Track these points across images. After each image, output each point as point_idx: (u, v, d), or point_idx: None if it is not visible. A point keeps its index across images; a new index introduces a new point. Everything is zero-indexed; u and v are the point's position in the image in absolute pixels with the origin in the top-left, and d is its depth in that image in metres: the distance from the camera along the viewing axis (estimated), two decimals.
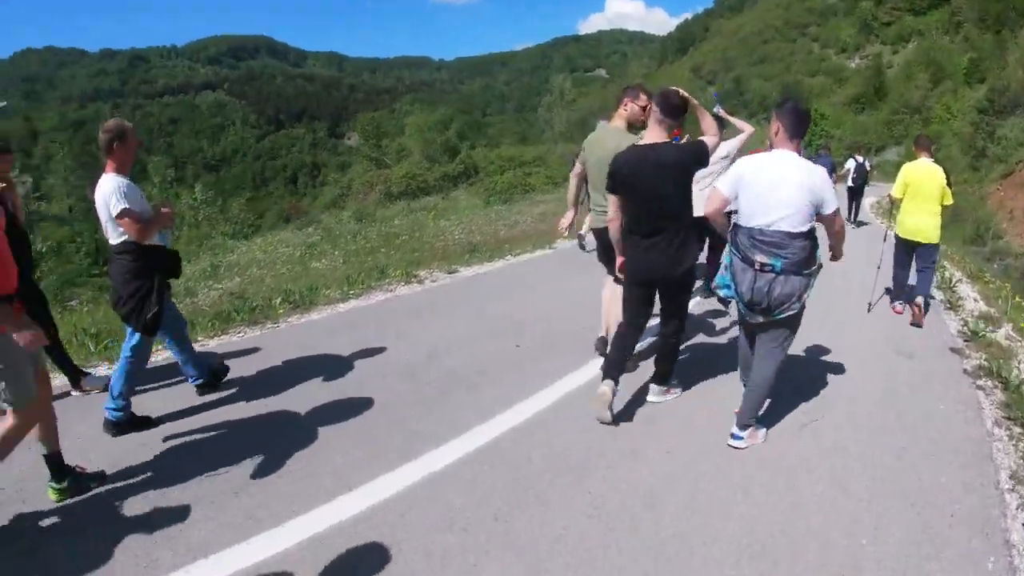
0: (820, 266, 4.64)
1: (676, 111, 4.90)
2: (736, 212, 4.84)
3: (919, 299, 8.64)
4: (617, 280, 5.69)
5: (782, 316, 4.61)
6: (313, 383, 6.18)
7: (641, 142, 5.04)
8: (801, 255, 4.47)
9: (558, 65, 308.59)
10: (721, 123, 7.56)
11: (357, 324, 8.30)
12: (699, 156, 4.93)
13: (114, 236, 5.10)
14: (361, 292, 9.87)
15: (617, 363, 5.34)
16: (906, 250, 8.98)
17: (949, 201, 8.62)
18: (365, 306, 9.30)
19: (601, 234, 6.05)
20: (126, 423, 5.23)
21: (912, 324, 8.51)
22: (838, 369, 6.76)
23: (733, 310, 6.88)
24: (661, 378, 5.65)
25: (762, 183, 4.53)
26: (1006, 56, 55.23)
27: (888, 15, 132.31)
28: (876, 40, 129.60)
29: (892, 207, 9.66)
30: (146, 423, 5.34)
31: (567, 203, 7.01)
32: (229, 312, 8.38)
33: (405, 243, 15.11)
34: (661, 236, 4.95)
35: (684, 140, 6.23)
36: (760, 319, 4.74)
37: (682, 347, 6.24)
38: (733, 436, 4.94)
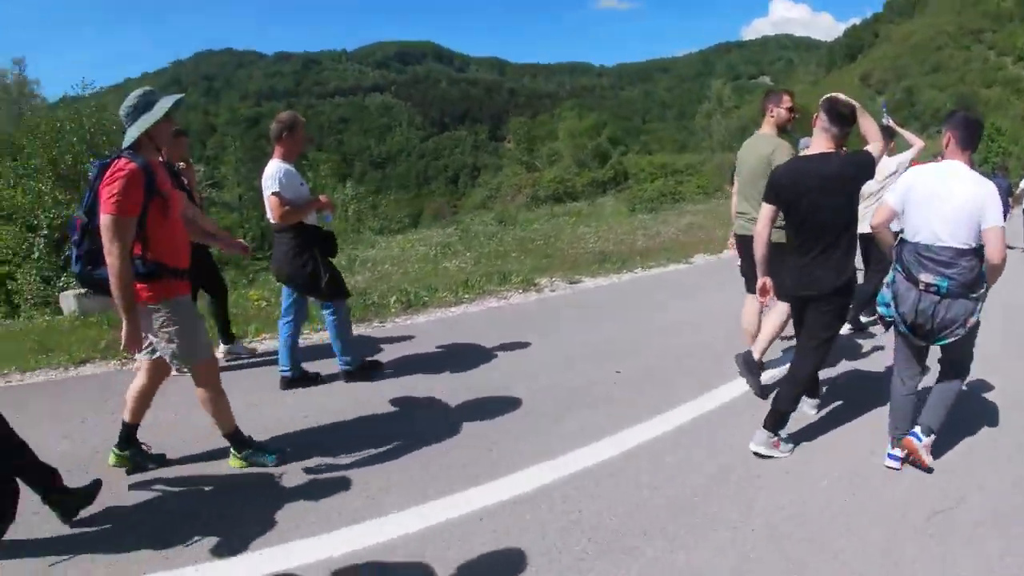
0: (988, 288, 4.30)
1: (844, 120, 4.57)
2: (903, 230, 4.53)
3: None
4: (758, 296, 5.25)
5: (945, 343, 4.32)
6: (375, 387, 6.20)
7: (805, 152, 4.93)
8: (969, 275, 4.15)
9: (720, 72, 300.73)
10: (889, 133, 7.35)
11: (456, 330, 8.16)
12: (865, 166, 4.62)
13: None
14: (475, 297, 9.82)
15: (774, 411, 4.84)
16: None
17: None
18: (475, 312, 9.25)
19: (743, 242, 5.92)
20: (355, 371, 6.16)
21: None
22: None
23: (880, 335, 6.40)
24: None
25: (930, 195, 4.26)
26: None
27: None
28: None
29: None
30: (314, 379, 6.18)
31: (732, 220, 6.55)
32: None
33: (538, 248, 15.03)
34: (821, 251, 4.61)
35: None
36: (922, 343, 4.50)
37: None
38: (912, 433, 4.52)
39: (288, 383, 6.06)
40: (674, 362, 6.79)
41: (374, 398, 5.84)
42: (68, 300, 10.01)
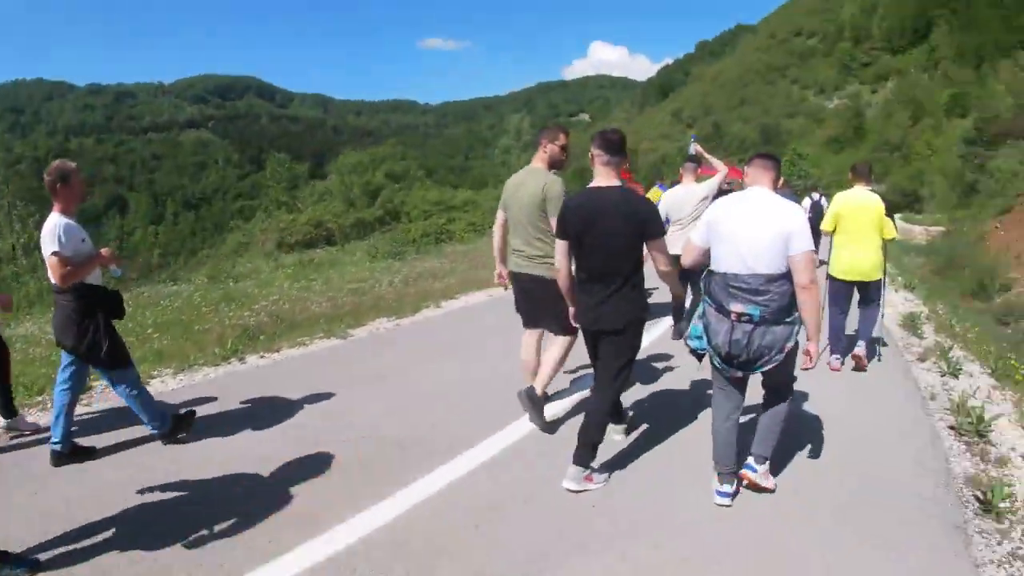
0: None
1: (617, 148, 4.57)
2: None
3: (859, 348, 7.83)
4: (550, 329, 5.73)
5: (764, 370, 4.30)
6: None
7: (591, 185, 4.71)
8: (782, 301, 4.18)
9: (541, 111, 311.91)
10: (697, 160, 8.75)
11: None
12: (650, 215, 4.61)
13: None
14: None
15: (583, 444, 4.73)
16: (844, 292, 7.95)
17: (891, 235, 7.70)
18: None
19: (517, 279, 5.85)
20: (169, 431, 5.67)
21: (855, 370, 7.80)
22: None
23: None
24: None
25: (734, 225, 4.30)
26: (991, 86, 55.08)
27: (866, 55, 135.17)
28: (855, 80, 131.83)
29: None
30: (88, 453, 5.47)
31: (494, 256, 6.42)
32: None
33: (193, 319, 11.06)
34: (610, 286, 4.57)
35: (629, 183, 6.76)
36: (739, 374, 4.43)
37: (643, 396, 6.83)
38: (747, 466, 4.63)
39: (58, 458, 5.31)
40: (447, 414, 6.40)
41: (152, 468, 5.23)
42: None
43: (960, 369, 8.13)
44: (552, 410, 6.13)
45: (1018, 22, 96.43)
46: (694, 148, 8.59)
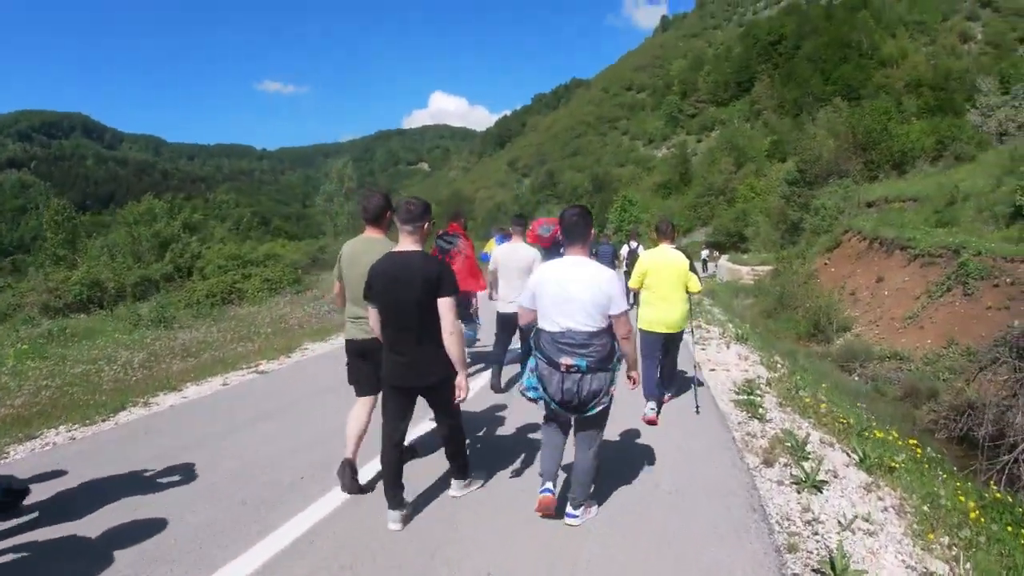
0: (620, 359, 4.67)
1: (417, 216, 4.72)
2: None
3: (666, 397, 8.15)
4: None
5: (595, 412, 4.59)
6: None
7: (394, 250, 4.86)
8: (604, 351, 4.51)
9: (380, 159, 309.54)
10: (523, 221, 8.80)
11: None
12: (441, 274, 4.68)
13: None
14: None
15: (392, 486, 4.86)
16: (653, 343, 7.81)
17: (695, 289, 7.81)
18: None
19: (359, 347, 5.66)
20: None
21: (646, 422, 7.43)
22: None
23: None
24: (459, 472, 5.29)
25: (558, 289, 4.55)
26: (810, 129, 55.94)
27: (693, 107, 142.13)
28: (682, 131, 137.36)
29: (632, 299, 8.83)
30: None
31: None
32: None
33: None
34: (409, 345, 4.72)
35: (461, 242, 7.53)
36: (575, 415, 4.67)
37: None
38: (568, 515, 4.83)
39: None
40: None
41: None
42: None
43: (820, 482, 5.67)
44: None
45: (835, 75, 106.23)
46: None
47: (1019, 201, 20.28)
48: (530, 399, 4.85)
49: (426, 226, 4.83)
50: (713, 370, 10.06)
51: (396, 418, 4.94)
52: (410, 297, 4.60)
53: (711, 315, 17.41)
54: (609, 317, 4.50)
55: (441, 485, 5.42)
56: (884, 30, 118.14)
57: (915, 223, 23.48)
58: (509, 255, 8.40)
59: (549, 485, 4.86)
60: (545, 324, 4.63)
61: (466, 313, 8.97)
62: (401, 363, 4.76)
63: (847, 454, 6.57)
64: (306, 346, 11.92)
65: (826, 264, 26.73)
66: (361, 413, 5.75)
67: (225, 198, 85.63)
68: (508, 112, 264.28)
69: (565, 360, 4.46)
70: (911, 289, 19.32)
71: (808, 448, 6.26)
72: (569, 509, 4.82)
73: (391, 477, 4.84)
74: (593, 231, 4.86)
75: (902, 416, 12.75)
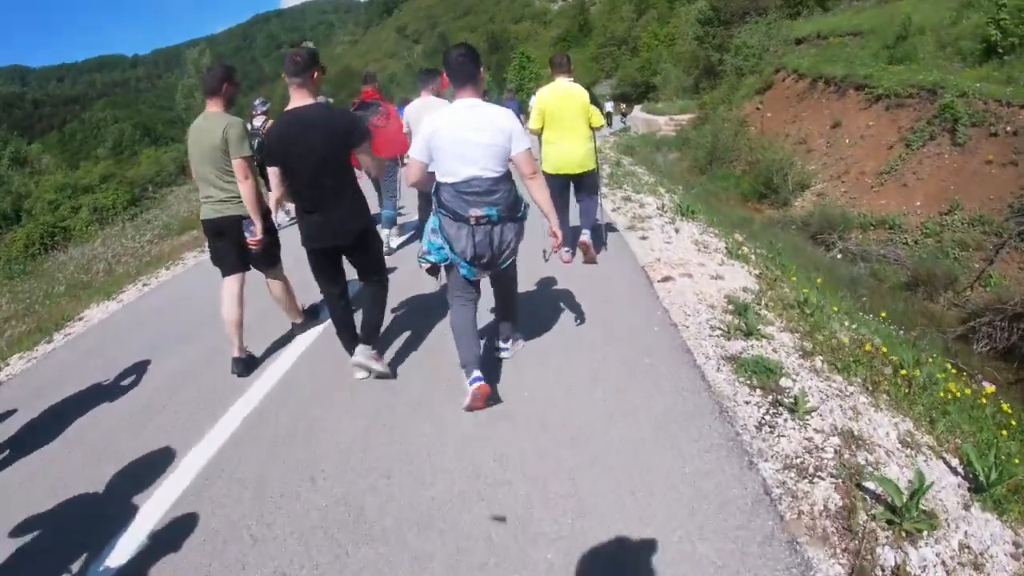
0: (527, 206, 4.38)
1: (303, 67, 4.37)
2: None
3: (584, 236, 7.48)
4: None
5: (507, 264, 4.38)
6: None
7: (287, 108, 4.54)
8: (510, 197, 4.21)
9: (261, 44, 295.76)
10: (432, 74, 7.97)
11: None
12: (349, 124, 4.58)
13: None
14: None
15: (347, 336, 4.99)
16: (559, 187, 7.18)
17: (598, 123, 7.28)
18: None
19: (216, 226, 5.31)
20: None
21: (586, 263, 7.38)
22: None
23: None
24: (371, 336, 4.93)
25: (455, 135, 4.11)
26: None
27: None
28: None
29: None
30: None
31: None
32: None
33: None
34: (323, 202, 4.55)
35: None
36: (485, 274, 4.42)
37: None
38: (500, 349, 4.99)
39: None
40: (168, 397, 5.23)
41: None
42: None
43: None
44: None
45: None
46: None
47: (991, 35, 16.51)
48: (432, 264, 4.47)
49: (316, 75, 4.49)
50: (669, 279, 6.63)
51: (329, 279, 4.85)
52: (317, 152, 4.38)
53: (636, 177, 14.00)
54: (511, 160, 4.17)
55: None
56: None
57: (863, 59, 20.02)
58: (422, 111, 7.53)
59: (478, 372, 4.33)
60: (446, 176, 4.20)
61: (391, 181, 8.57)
62: (317, 223, 4.59)
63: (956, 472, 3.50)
64: (83, 314, 8.21)
65: (758, 108, 23.52)
66: (232, 293, 5.43)
67: (102, 115, 79.03)
68: None
69: (474, 212, 4.11)
70: (880, 137, 16.06)
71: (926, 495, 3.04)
72: (499, 344, 5.00)
73: (346, 330, 4.94)
74: (483, 70, 4.32)
75: (919, 313, 9.73)
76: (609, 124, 40.41)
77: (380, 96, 8.06)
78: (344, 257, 4.82)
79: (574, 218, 7.51)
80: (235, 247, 5.13)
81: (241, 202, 5.12)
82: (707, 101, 29.08)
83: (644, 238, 8.39)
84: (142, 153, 58.99)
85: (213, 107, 5.17)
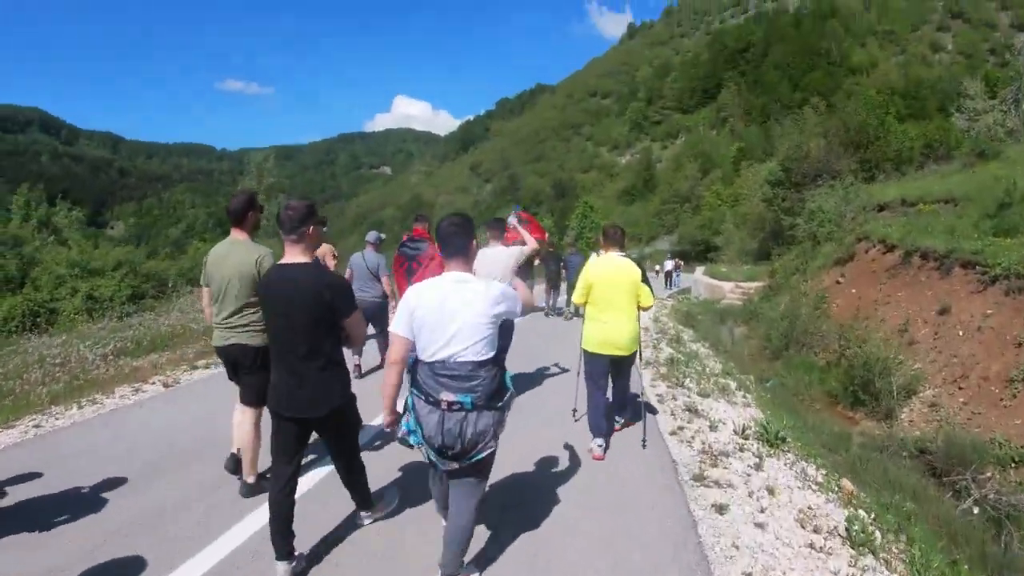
0: (512, 394, 3.86)
1: (295, 224, 4.04)
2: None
3: (618, 425, 7.07)
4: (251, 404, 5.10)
5: (479, 458, 3.76)
6: None
7: (280, 262, 4.29)
8: (492, 385, 3.70)
9: (343, 161, 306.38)
10: (499, 225, 7.75)
11: None
12: (338, 288, 4.11)
13: None
14: None
15: (280, 534, 4.11)
16: (600, 368, 6.64)
17: (648, 303, 6.56)
18: None
19: (226, 352, 5.16)
20: None
21: (593, 458, 6.40)
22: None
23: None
24: (364, 504, 4.67)
25: (437, 312, 3.71)
26: (789, 129, 53.47)
27: (658, 114, 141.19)
28: (646, 138, 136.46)
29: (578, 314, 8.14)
30: None
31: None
32: None
33: None
34: (298, 364, 4.04)
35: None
36: (454, 465, 3.81)
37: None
38: None
39: None
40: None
41: None
42: None
43: None
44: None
45: (804, 81, 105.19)
46: (513, 219, 7.62)
47: None
48: (410, 446, 3.98)
49: (311, 230, 4.14)
50: None
51: (285, 453, 4.21)
52: (298, 317, 4.02)
53: (700, 362, 10.87)
54: (503, 316, 3.74)
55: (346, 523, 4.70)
56: (854, 39, 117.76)
57: (964, 230, 16.43)
58: (482, 261, 6.74)
59: None
60: (423, 354, 3.78)
61: None
62: (289, 384, 4.08)
63: None
64: None
65: (839, 282, 19.83)
66: (245, 421, 5.18)
67: (181, 198, 79.37)
68: (471, 117, 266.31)
69: (446, 396, 3.63)
70: (1004, 329, 12.12)
71: None
72: None
73: (279, 525, 4.12)
74: (476, 243, 3.97)
75: None
76: (668, 284, 39.15)
77: (429, 236, 7.84)
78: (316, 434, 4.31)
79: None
80: (250, 379, 4.93)
81: (251, 331, 4.93)
82: (777, 269, 26.01)
83: (722, 511, 5.05)
84: (191, 245, 57.67)
85: (238, 235, 5.01)
